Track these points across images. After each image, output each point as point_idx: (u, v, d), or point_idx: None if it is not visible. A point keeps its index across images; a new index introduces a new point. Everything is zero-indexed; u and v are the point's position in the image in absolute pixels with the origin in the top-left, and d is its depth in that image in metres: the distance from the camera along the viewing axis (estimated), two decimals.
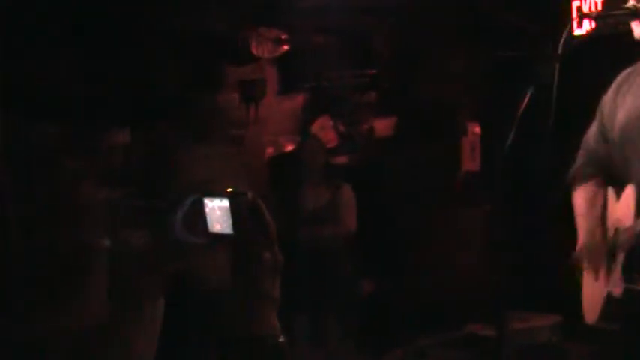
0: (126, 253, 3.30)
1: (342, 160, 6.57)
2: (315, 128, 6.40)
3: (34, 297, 0.95)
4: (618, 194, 2.48)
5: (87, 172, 1.01)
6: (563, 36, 2.31)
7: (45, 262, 0.95)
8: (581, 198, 2.66)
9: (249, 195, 1.28)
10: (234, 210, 1.34)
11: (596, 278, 2.48)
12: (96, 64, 5.21)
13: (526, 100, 2.23)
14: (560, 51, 2.29)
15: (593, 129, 2.67)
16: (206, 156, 5.02)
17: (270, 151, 6.47)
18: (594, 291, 2.49)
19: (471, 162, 6.26)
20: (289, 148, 6.36)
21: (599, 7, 5.07)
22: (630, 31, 2.39)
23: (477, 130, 6.31)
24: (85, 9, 5.27)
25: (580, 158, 2.73)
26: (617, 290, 2.32)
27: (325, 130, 6.47)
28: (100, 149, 3.34)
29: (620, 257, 2.32)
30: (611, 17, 2.41)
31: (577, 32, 4.50)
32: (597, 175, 2.65)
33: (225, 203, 1.34)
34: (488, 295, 2.42)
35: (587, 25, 4.65)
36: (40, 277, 0.95)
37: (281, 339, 1.16)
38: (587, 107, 2.70)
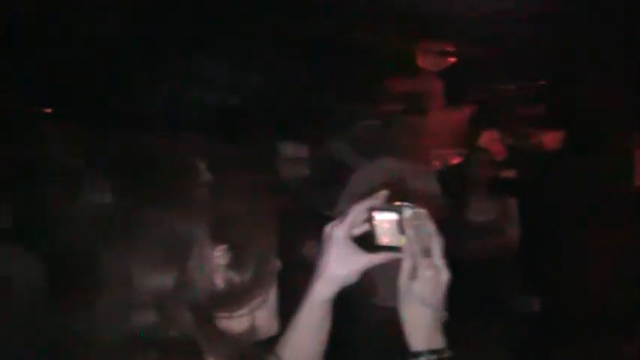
0: (295, 265, 3.41)
1: (509, 173, 6.48)
2: (483, 141, 6.35)
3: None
4: None
5: (260, 186, 1.06)
6: None
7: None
8: None
9: (417, 208, 1.30)
10: (402, 223, 1.37)
11: None
12: (267, 79, 5.43)
13: None
14: None
15: None
16: (372, 169, 5.08)
17: (436, 164, 6.47)
18: None
19: None
20: (455, 161, 6.34)
21: None
22: None
23: None
24: (251, 23, 5.50)
25: None
26: None
27: (493, 142, 6.40)
28: (274, 162, 3.48)
29: None
30: None
31: None
32: None
33: (393, 216, 1.38)
34: None
35: None
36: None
37: (447, 354, 1.16)
38: None
